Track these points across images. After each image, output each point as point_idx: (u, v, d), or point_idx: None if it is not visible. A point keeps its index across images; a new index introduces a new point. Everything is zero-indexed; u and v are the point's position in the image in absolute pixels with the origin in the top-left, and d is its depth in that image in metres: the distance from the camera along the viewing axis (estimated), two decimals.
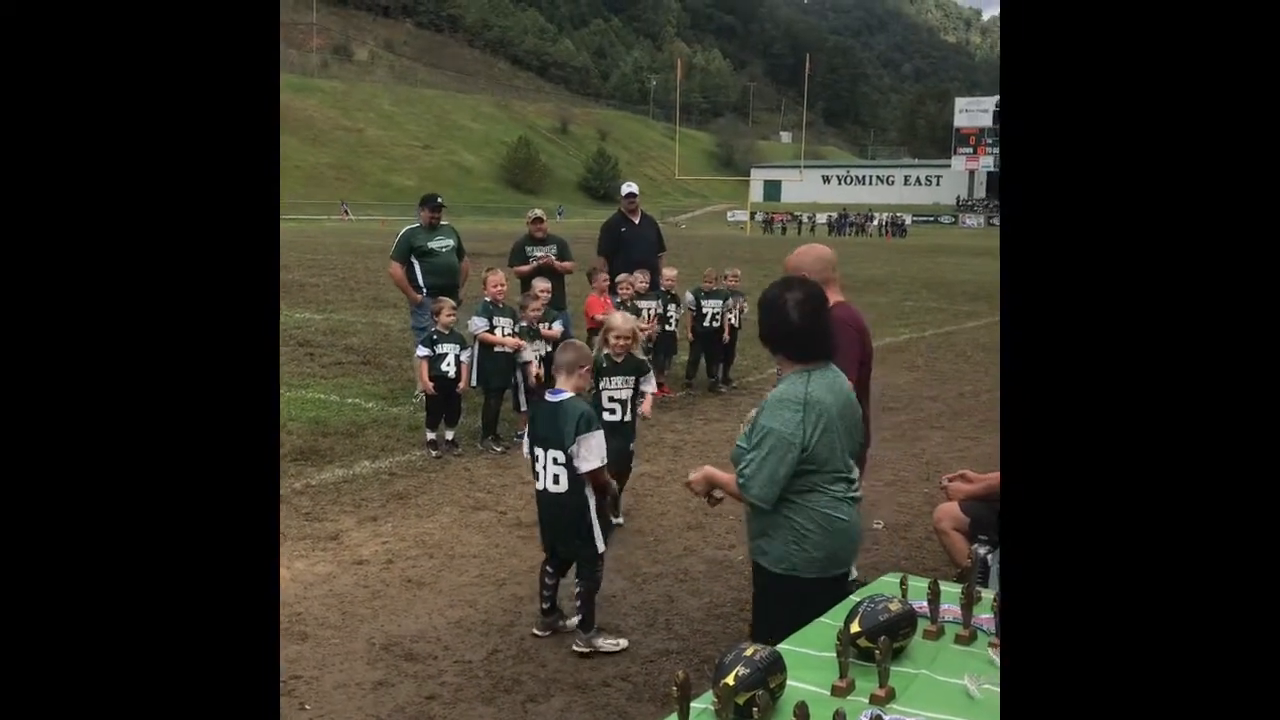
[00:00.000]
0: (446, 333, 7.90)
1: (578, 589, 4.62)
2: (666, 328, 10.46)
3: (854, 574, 4.03)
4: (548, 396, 4.68)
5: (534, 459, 4.62)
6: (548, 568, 4.74)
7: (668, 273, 10.67)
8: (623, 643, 4.63)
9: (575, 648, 4.56)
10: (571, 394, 4.61)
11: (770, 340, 3.53)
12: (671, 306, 10.56)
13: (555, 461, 4.51)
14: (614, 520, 4.57)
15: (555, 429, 4.50)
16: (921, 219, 79.27)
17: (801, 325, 3.41)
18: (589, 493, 4.55)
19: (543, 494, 4.61)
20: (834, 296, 4.20)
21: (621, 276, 9.75)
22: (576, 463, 4.46)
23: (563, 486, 4.53)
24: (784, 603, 3.41)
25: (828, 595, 3.45)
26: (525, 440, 4.71)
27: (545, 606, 4.74)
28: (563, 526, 4.61)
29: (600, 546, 4.60)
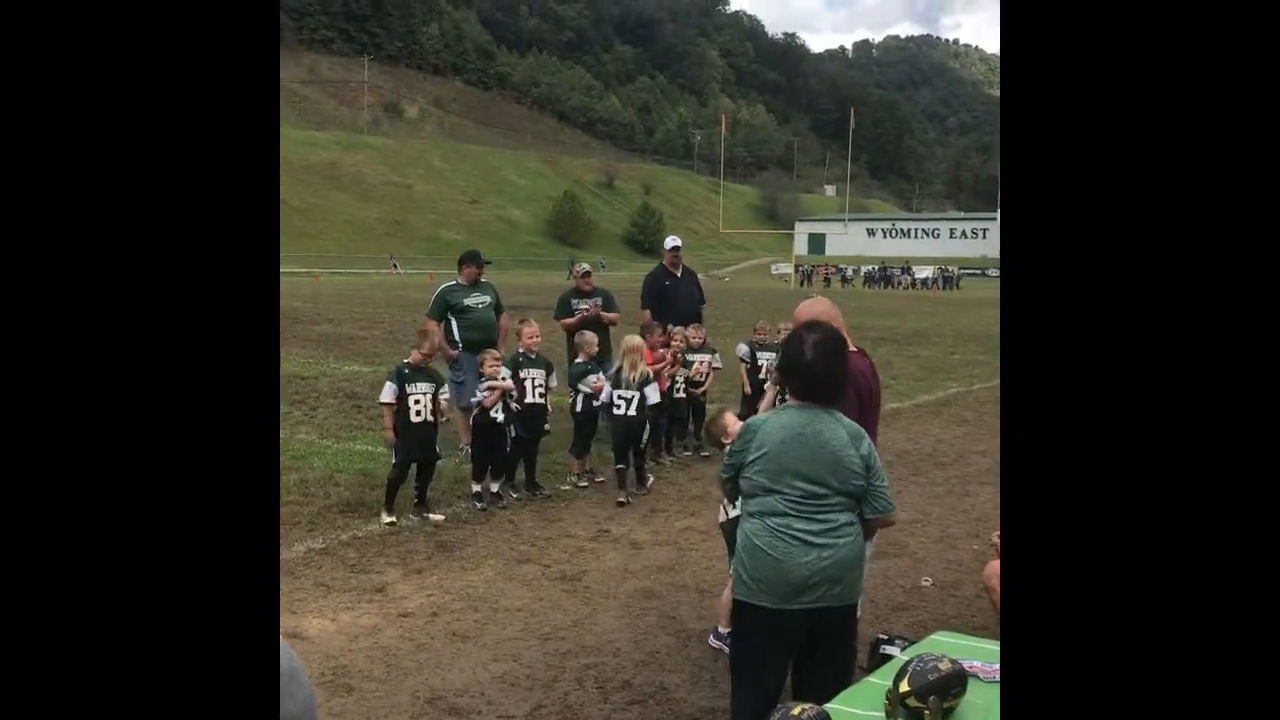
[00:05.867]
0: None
1: None
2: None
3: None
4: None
5: None
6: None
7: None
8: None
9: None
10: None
11: (782, 372, 3.68)
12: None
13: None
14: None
15: None
16: (968, 272, 78.63)
17: (811, 364, 3.47)
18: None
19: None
20: None
21: (670, 329, 9.78)
22: None
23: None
24: (735, 625, 3.37)
25: (766, 626, 3.39)
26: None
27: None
28: None
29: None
